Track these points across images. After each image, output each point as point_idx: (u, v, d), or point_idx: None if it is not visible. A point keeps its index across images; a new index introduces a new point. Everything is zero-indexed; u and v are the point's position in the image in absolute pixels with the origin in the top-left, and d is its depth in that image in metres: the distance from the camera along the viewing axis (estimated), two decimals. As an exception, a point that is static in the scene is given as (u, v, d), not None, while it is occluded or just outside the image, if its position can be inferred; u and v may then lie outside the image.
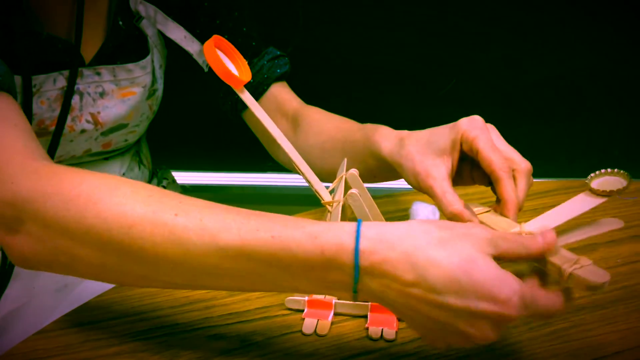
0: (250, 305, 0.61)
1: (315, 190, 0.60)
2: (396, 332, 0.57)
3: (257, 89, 0.83)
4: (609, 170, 0.55)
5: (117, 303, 0.62)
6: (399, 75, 1.26)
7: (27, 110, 0.69)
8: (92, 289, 0.79)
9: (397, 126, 1.36)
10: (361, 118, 1.29)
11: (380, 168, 0.67)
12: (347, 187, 0.60)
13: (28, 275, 0.79)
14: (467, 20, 1.22)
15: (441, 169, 0.59)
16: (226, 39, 0.59)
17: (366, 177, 0.65)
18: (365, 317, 0.59)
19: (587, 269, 0.46)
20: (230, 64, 0.57)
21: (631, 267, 0.67)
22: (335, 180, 0.62)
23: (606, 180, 0.54)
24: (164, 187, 0.96)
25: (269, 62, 0.83)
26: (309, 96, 1.31)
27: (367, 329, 0.57)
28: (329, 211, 0.60)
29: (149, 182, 0.94)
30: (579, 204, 0.54)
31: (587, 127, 1.29)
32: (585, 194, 0.55)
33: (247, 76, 0.57)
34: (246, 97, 0.57)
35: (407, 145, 0.63)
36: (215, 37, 0.56)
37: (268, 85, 0.83)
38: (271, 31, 1.23)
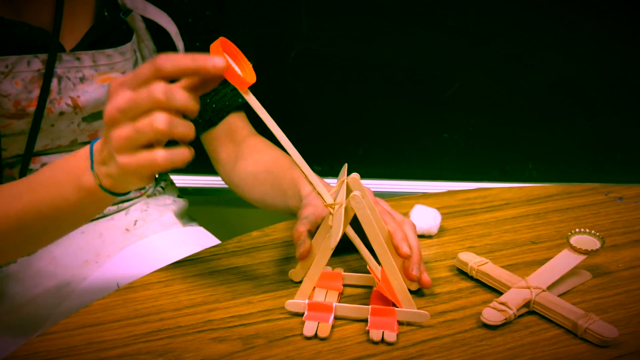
0: (253, 308, 0.61)
1: (318, 192, 0.60)
2: (397, 334, 0.57)
3: (218, 114, 0.89)
4: (586, 230, 0.66)
5: (120, 305, 0.62)
6: (402, 78, 1.26)
7: None
8: (93, 288, 0.80)
9: (399, 130, 1.35)
10: (363, 122, 1.30)
11: (295, 207, 0.73)
12: (349, 191, 0.60)
13: (29, 276, 0.80)
14: (470, 23, 1.22)
15: (317, 209, 0.68)
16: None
17: (284, 211, 0.78)
18: (366, 320, 0.59)
19: (598, 324, 0.56)
20: (235, 66, 0.57)
21: (632, 272, 0.67)
22: (337, 184, 0.62)
23: (583, 238, 0.65)
24: (162, 189, 0.97)
25: (232, 90, 0.89)
26: (311, 98, 1.32)
27: (367, 332, 0.57)
28: (331, 213, 0.60)
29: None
30: (567, 259, 0.64)
31: (590, 131, 1.29)
32: (568, 250, 0.65)
33: (252, 78, 0.58)
34: (251, 98, 0.57)
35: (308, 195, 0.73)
36: (222, 39, 0.57)
37: (227, 113, 0.89)
38: (275, 33, 1.23)
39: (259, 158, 0.87)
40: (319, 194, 0.60)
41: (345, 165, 0.64)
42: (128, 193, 0.61)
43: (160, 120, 0.53)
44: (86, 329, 0.58)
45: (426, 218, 0.75)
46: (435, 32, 1.22)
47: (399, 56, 1.24)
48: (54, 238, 0.68)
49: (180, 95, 0.53)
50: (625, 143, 1.29)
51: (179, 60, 0.53)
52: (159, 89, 0.52)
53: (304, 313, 0.60)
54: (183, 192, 1.02)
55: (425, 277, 0.63)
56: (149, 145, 0.55)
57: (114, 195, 0.59)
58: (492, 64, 1.24)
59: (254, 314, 0.61)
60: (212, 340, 0.57)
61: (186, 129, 0.54)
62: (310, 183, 0.60)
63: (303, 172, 0.59)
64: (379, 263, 0.60)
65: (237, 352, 0.55)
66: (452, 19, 1.21)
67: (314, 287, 0.63)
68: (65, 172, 0.61)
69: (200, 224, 0.97)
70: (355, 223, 0.59)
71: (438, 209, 0.77)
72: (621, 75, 1.24)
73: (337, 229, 0.57)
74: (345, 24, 1.23)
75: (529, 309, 0.60)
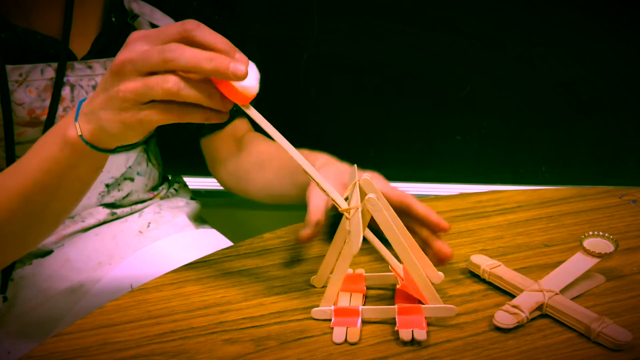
0: (265, 310, 0.62)
1: (332, 198, 0.59)
2: (427, 332, 0.57)
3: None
4: (599, 233, 0.65)
5: (133, 307, 0.62)
6: (414, 80, 1.26)
7: (4, 97, 0.72)
8: (107, 289, 0.80)
9: (411, 132, 1.35)
10: (375, 124, 1.30)
11: (305, 184, 0.73)
12: (362, 193, 0.60)
13: (43, 277, 0.81)
14: (482, 26, 1.22)
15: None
16: None
17: (292, 194, 0.79)
18: (393, 321, 0.58)
19: (612, 328, 0.56)
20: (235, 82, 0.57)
21: (647, 275, 0.67)
22: (349, 187, 0.62)
23: (597, 242, 0.65)
24: (175, 191, 0.97)
25: None
26: (323, 100, 1.32)
27: (397, 332, 0.57)
28: (347, 218, 0.60)
29: (160, 185, 0.95)
30: (580, 263, 0.64)
31: (603, 133, 1.28)
32: (581, 253, 0.65)
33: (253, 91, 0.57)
34: (252, 112, 0.57)
35: (322, 168, 0.74)
36: None
37: (234, 118, 0.90)
38: (286, 35, 1.24)
39: (262, 148, 0.87)
40: (333, 200, 0.60)
41: (355, 167, 0.64)
42: (115, 150, 0.59)
43: (171, 81, 0.52)
44: (100, 330, 0.59)
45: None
46: (448, 35, 1.22)
47: (411, 58, 1.24)
48: (60, 213, 0.66)
49: (189, 54, 0.51)
50: (639, 146, 1.28)
51: (211, 36, 0.52)
52: (171, 48, 0.51)
53: (330, 319, 0.60)
54: (196, 194, 1.03)
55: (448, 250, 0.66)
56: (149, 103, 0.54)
57: (97, 150, 0.58)
58: (505, 66, 1.24)
59: (266, 315, 0.61)
60: (224, 342, 0.57)
61: (199, 93, 0.52)
62: (324, 190, 0.59)
63: (314, 179, 0.59)
64: (399, 261, 0.60)
65: (249, 353, 0.56)
66: (464, 22, 1.21)
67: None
68: (52, 134, 0.60)
69: (213, 226, 0.98)
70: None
71: (450, 211, 0.77)
72: (635, 77, 1.24)
73: (357, 233, 0.56)
74: (356, 26, 1.23)
75: (542, 312, 0.60)
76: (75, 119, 0.57)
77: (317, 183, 0.59)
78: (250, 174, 0.88)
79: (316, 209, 0.67)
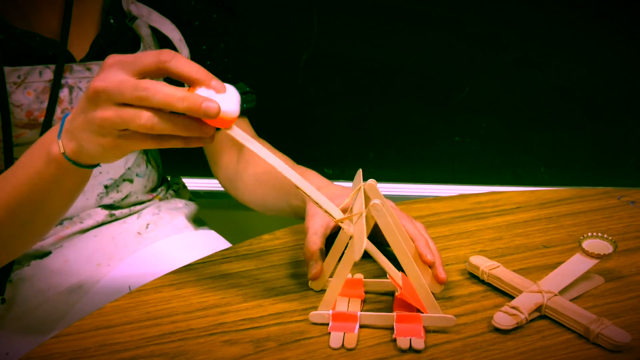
0: (264, 311, 0.62)
1: (325, 210, 0.59)
2: (424, 340, 0.57)
3: None
4: (598, 234, 0.65)
5: (132, 308, 0.62)
6: (413, 81, 1.26)
7: (2, 98, 0.72)
8: (106, 291, 0.80)
9: (410, 133, 1.35)
10: (375, 124, 1.30)
11: (300, 207, 0.74)
12: (366, 198, 0.59)
13: (42, 279, 0.80)
14: (483, 26, 1.22)
15: (324, 218, 0.68)
16: (207, 65, 0.60)
17: (288, 212, 0.80)
18: (391, 328, 0.58)
19: (611, 329, 0.56)
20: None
21: (646, 276, 0.67)
22: (353, 192, 0.61)
23: (596, 243, 0.65)
24: (174, 192, 0.97)
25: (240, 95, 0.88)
26: (323, 101, 1.32)
27: (394, 340, 0.57)
28: (342, 229, 0.59)
29: (159, 186, 0.95)
30: (579, 264, 0.64)
31: (602, 134, 1.28)
32: (580, 254, 0.65)
33: (235, 113, 0.57)
34: (236, 133, 0.56)
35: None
36: None
37: None
38: (286, 36, 1.24)
39: (260, 161, 0.87)
40: (326, 212, 0.59)
41: (360, 171, 0.63)
42: (97, 165, 0.60)
43: (144, 117, 0.52)
44: (99, 331, 0.59)
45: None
46: (448, 35, 1.22)
47: (411, 59, 1.24)
48: (47, 223, 0.67)
49: (161, 95, 0.52)
50: (638, 147, 1.28)
51: (185, 66, 0.53)
52: (145, 86, 0.52)
53: (327, 324, 0.59)
54: (195, 196, 1.03)
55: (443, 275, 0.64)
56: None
57: (79, 166, 0.58)
58: (505, 68, 1.24)
59: (265, 317, 0.61)
60: (223, 343, 0.57)
61: (174, 126, 0.53)
62: (316, 203, 0.59)
63: (306, 193, 0.58)
64: (399, 269, 0.59)
65: (249, 354, 0.56)
66: (465, 23, 1.21)
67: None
68: (37, 148, 0.61)
69: (212, 227, 0.98)
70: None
71: (449, 212, 0.77)
72: (634, 79, 1.24)
73: (360, 239, 0.55)
74: (356, 26, 1.23)
75: (541, 314, 0.60)
76: (59, 136, 0.58)
77: (309, 197, 0.58)
78: (247, 187, 0.87)
79: (314, 239, 0.66)
